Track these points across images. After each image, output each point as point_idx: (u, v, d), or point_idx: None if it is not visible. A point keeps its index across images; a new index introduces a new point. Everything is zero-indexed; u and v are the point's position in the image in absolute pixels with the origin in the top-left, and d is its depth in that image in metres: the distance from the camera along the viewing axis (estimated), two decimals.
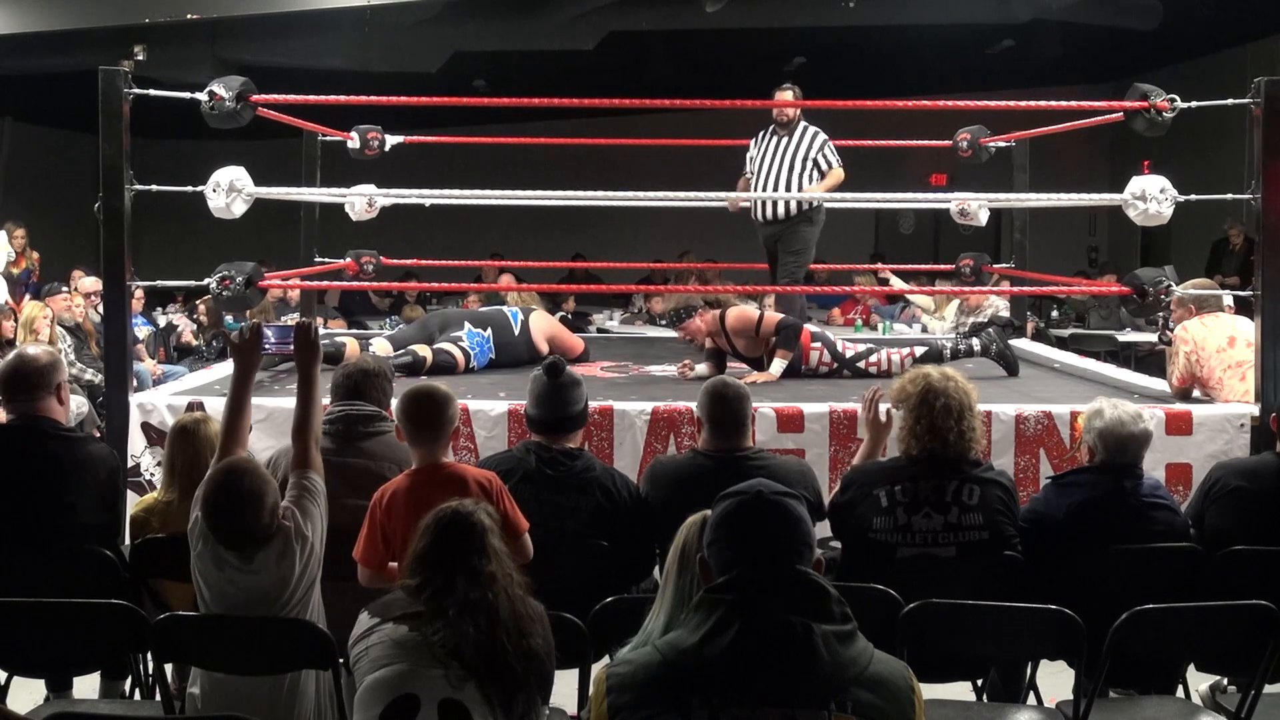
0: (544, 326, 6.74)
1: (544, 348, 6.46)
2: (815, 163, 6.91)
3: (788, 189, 6.92)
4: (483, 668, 2.46)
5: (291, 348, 3.49)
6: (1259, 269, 5.09)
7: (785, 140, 6.96)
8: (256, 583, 3.05)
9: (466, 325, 6.45)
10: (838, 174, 6.94)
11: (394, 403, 4.05)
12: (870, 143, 7.54)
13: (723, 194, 6.99)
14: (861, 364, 6.09)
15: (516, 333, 6.54)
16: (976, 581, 3.44)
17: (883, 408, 3.93)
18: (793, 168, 6.94)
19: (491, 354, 6.42)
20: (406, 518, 3.02)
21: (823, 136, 6.96)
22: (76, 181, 12.28)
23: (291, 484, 3.21)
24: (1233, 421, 4.98)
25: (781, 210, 6.98)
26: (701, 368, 6.12)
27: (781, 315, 6.16)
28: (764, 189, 6.98)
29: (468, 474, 3.38)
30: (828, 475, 4.70)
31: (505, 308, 6.90)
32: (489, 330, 6.45)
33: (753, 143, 7.18)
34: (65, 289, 8.57)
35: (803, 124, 7.01)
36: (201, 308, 10.56)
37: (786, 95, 6.94)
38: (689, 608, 2.07)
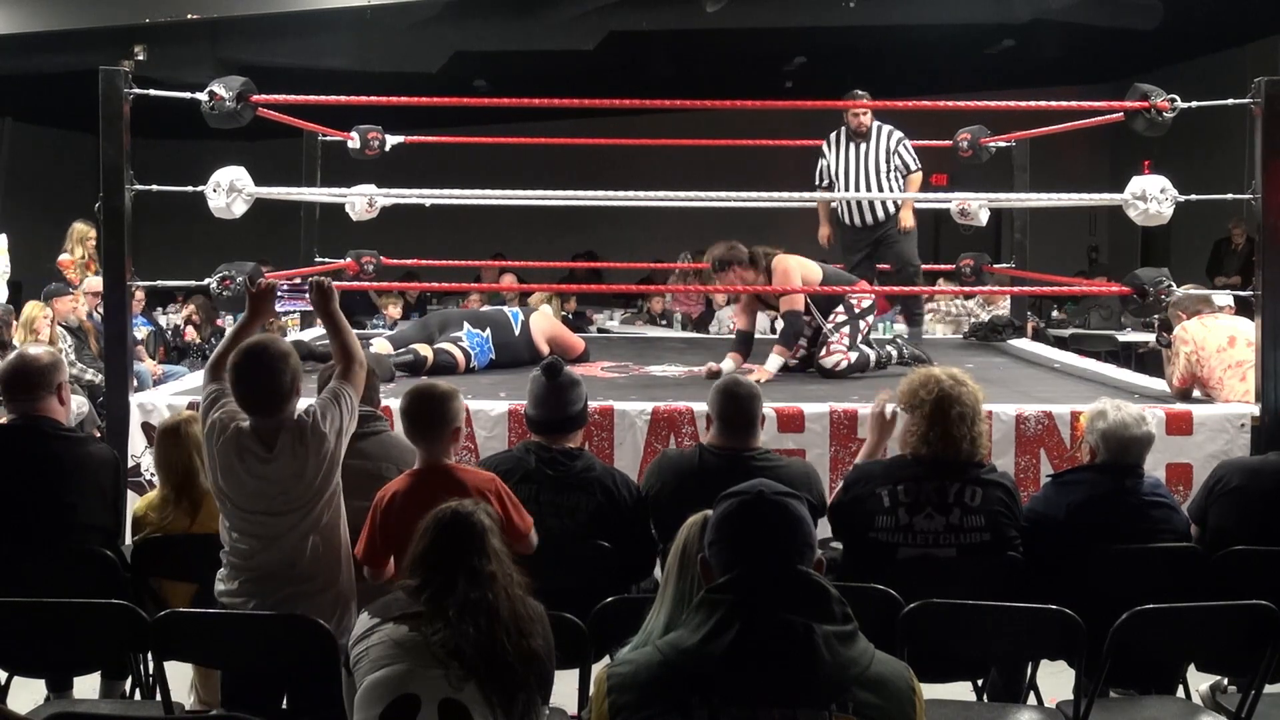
0: (544, 327, 6.70)
1: (544, 348, 6.43)
2: (895, 165, 6.94)
3: (869, 209, 7.02)
4: (483, 668, 2.46)
5: (305, 297, 3.63)
6: (1259, 269, 5.09)
7: (864, 145, 6.98)
8: (274, 471, 3.25)
9: (466, 325, 6.41)
10: (916, 178, 7.00)
11: (389, 401, 4.05)
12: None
13: (722, 194, 6.99)
14: (821, 350, 6.08)
15: (517, 333, 6.51)
16: (977, 582, 3.44)
17: (889, 408, 3.91)
18: (879, 170, 7.00)
19: (491, 354, 6.39)
20: (406, 519, 3.04)
21: (899, 134, 6.97)
22: (76, 181, 12.27)
23: (326, 390, 3.43)
24: (1233, 421, 4.97)
25: (880, 213, 7.02)
26: (728, 362, 6.05)
27: (793, 309, 6.12)
28: (849, 210, 7.08)
29: (468, 477, 3.38)
30: (828, 475, 4.69)
31: (506, 307, 6.82)
32: (488, 330, 6.42)
33: (825, 147, 7.16)
34: (70, 289, 8.57)
35: (877, 124, 7.01)
36: (191, 306, 10.56)
37: (863, 99, 6.92)
38: (690, 608, 2.07)
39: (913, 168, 6.93)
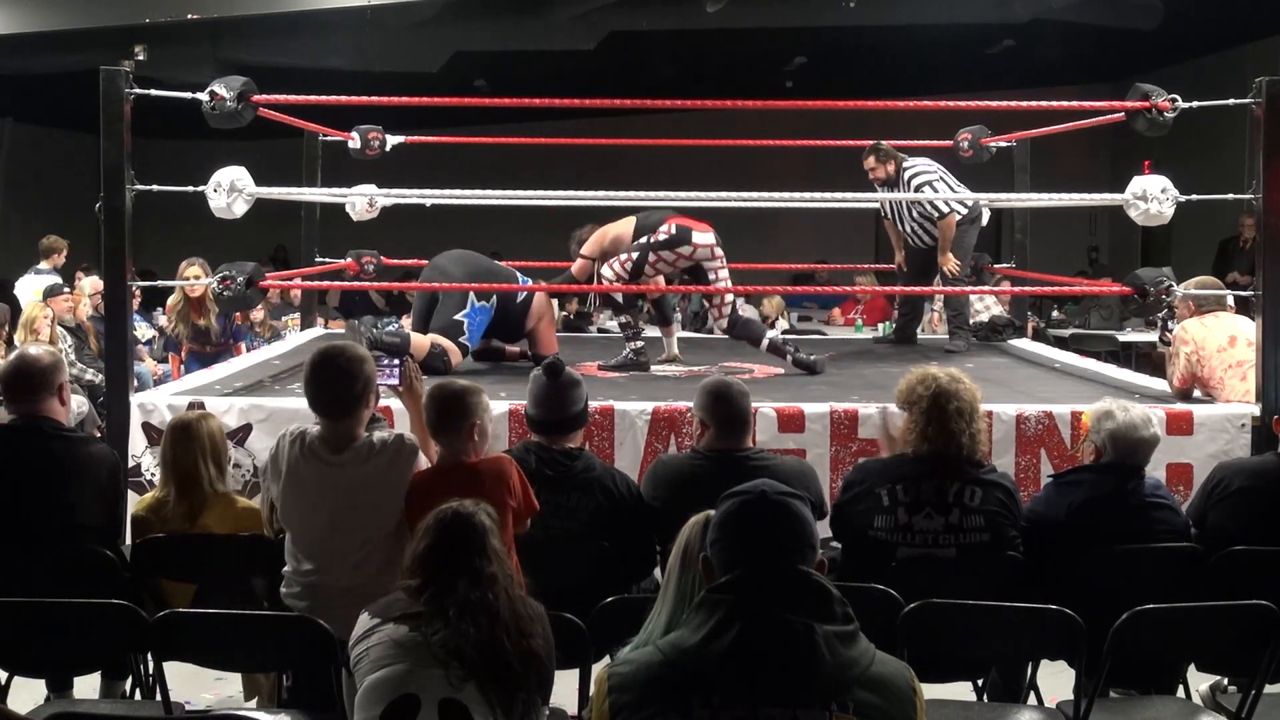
0: (541, 307, 6.40)
1: (535, 328, 6.30)
2: (919, 210, 7.01)
3: (916, 236, 7.20)
4: (483, 668, 2.47)
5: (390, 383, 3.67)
6: (1259, 269, 5.09)
7: (895, 189, 7.07)
8: (341, 478, 3.27)
9: (471, 299, 6.07)
10: (945, 223, 6.98)
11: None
12: (871, 143, 7.54)
13: (722, 194, 6.98)
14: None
15: (519, 300, 6.22)
16: (977, 582, 3.45)
17: (893, 421, 3.89)
18: (909, 210, 7.14)
19: (487, 323, 6.16)
20: (419, 514, 3.07)
21: (922, 177, 6.97)
22: (76, 181, 12.29)
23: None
24: (1234, 421, 4.97)
25: (928, 239, 7.17)
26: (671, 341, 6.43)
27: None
28: (904, 237, 7.31)
29: (482, 466, 3.39)
30: (828, 475, 4.70)
31: (517, 270, 6.50)
32: (493, 300, 6.12)
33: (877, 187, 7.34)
34: (66, 289, 8.56)
35: (904, 169, 7.04)
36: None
37: (870, 160, 7.05)
38: (690, 607, 2.07)
39: (943, 211, 6.94)
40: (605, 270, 6.19)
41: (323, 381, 3.35)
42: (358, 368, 3.34)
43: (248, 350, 8.26)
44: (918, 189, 6.93)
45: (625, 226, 6.31)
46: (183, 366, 7.96)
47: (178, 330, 8.04)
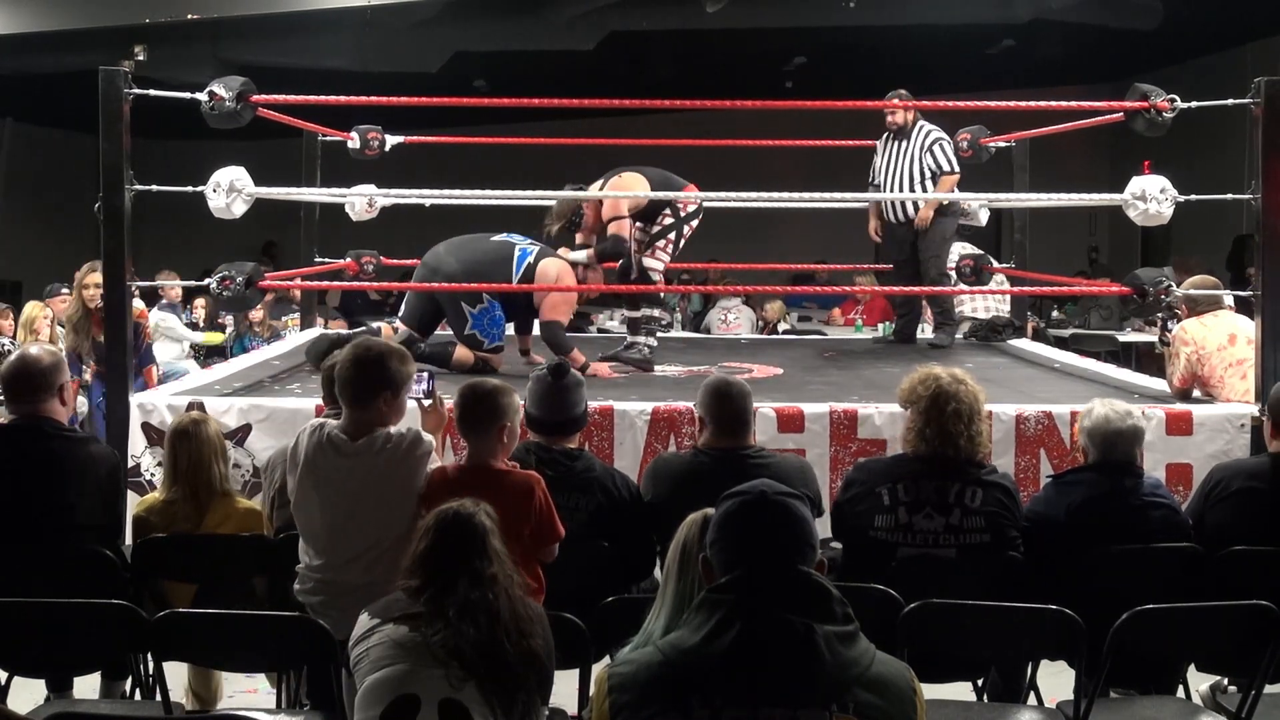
0: (551, 275, 5.99)
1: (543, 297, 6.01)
2: (926, 164, 6.97)
3: (897, 205, 7.10)
4: (483, 668, 2.47)
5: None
6: (1259, 269, 5.09)
7: (904, 144, 7.04)
8: (356, 467, 3.28)
9: (467, 311, 5.91)
10: (947, 180, 6.98)
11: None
12: (871, 143, 7.55)
13: (722, 194, 6.99)
14: (648, 250, 6.15)
15: (517, 280, 5.96)
16: (977, 582, 3.45)
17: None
18: (910, 168, 7.07)
19: (501, 317, 6.02)
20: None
21: (937, 135, 6.99)
22: (76, 181, 12.28)
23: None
24: (1233, 421, 4.97)
25: (911, 211, 7.11)
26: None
27: (619, 233, 6.08)
28: (884, 209, 7.21)
29: (509, 478, 3.37)
30: (828, 475, 4.70)
31: (516, 242, 6.21)
32: (485, 302, 5.94)
33: (878, 146, 7.26)
34: (65, 289, 8.55)
35: (919, 125, 7.05)
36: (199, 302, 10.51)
37: (896, 98, 7.00)
38: (690, 608, 2.07)
39: (944, 169, 6.93)
40: (652, 263, 6.14)
41: (351, 369, 3.38)
42: (386, 358, 3.39)
43: (245, 352, 8.26)
44: (930, 145, 6.96)
45: (641, 193, 6.12)
46: (83, 394, 7.00)
47: (77, 348, 6.91)
